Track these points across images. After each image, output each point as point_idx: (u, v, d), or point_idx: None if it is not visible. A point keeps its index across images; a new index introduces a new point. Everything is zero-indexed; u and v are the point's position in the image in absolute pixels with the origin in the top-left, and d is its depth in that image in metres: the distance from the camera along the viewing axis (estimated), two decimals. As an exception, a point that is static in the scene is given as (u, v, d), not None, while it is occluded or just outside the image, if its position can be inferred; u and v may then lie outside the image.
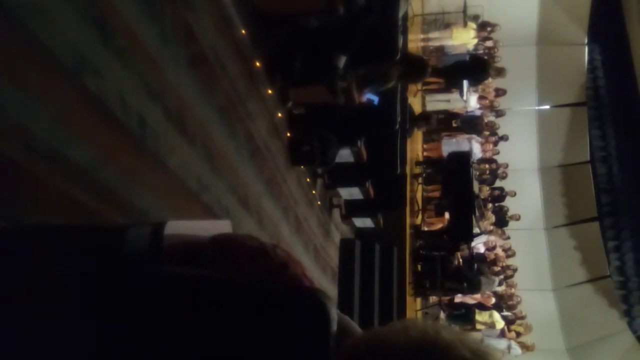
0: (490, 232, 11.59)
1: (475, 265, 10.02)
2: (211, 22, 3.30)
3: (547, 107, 14.59)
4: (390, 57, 4.66)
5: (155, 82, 2.67)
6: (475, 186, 10.41)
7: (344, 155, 5.08)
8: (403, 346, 0.78)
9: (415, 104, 10.05)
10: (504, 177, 12.63)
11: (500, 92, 12.38)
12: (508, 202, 12.57)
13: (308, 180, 5.23)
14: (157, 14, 2.70)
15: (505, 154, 12.82)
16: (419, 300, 9.35)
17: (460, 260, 9.62)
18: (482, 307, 10.82)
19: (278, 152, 4.41)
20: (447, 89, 11.03)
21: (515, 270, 12.28)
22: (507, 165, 12.72)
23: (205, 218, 3.15)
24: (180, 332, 0.93)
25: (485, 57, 11.39)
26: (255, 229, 3.92)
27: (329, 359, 0.88)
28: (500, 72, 10.49)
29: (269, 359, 0.91)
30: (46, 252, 1.11)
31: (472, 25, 12.01)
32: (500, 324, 10.86)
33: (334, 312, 0.94)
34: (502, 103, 12.64)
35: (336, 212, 6.26)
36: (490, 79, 11.43)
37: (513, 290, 12.22)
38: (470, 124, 11.71)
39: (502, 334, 10.97)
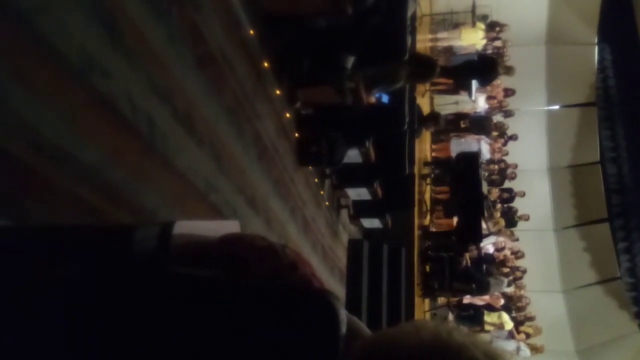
0: (499, 233, 11.54)
1: (484, 266, 9.97)
2: (219, 23, 3.30)
3: (557, 107, 14.51)
4: (399, 57, 4.64)
5: (163, 83, 2.67)
6: (484, 187, 10.36)
7: (352, 155, 5.07)
8: (415, 347, 0.78)
9: (424, 104, 10.02)
10: (513, 178, 12.56)
11: (509, 92, 12.32)
12: (517, 203, 12.51)
13: (316, 180, 5.23)
14: (165, 14, 2.70)
15: (514, 154, 12.76)
16: (427, 301, 9.32)
17: (469, 261, 9.58)
18: (490, 308, 10.77)
19: (286, 153, 4.41)
20: (455, 89, 10.99)
21: (524, 271, 12.22)
22: (516, 166, 12.66)
23: (213, 218, 3.15)
24: (188, 332, 0.92)
25: (494, 57, 11.32)
26: (263, 229, 3.92)
27: (338, 360, 0.87)
28: (509, 70, 10.43)
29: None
30: (53, 252, 1.11)
31: (481, 25, 11.96)
32: (509, 325, 10.81)
33: (343, 314, 0.93)
34: (511, 103, 12.58)
35: (344, 213, 6.25)
36: (499, 80, 11.37)
37: (522, 292, 12.16)
38: (479, 125, 11.66)
39: (511, 335, 10.92)
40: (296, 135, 4.62)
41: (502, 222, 11.57)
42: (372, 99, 4.97)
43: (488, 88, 11.79)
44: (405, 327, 0.83)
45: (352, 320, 0.96)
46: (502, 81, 11.79)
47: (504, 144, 12.62)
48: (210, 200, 3.16)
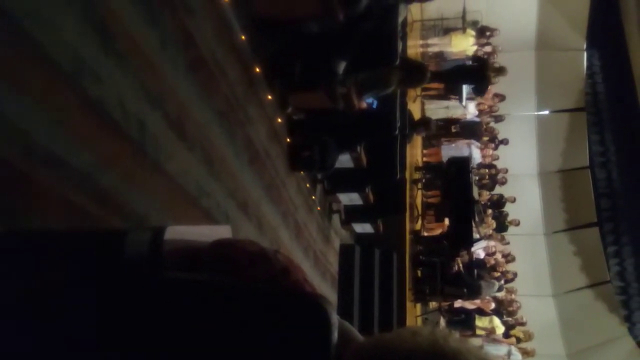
0: (489, 237, 11.59)
1: (475, 271, 10.00)
2: (211, 27, 3.30)
3: (546, 112, 14.62)
4: (390, 62, 4.66)
5: (154, 87, 2.66)
6: (475, 191, 10.41)
7: (344, 160, 5.08)
8: (411, 352, 0.78)
9: (415, 109, 10.06)
10: (503, 183, 12.63)
11: (499, 98, 12.39)
12: (507, 208, 12.57)
13: (308, 185, 5.23)
14: (157, 19, 2.70)
15: (505, 159, 12.83)
16: (418, 305, 9.33)
17: (460, 265, 9.61)
18: (481, 312, 10.81)
19: (277, 158, 4.41)
20: (446, 94, 11.04)
21: (515, 275, 12.27)
22: (506, 171, 12.73)
23: (204, 223, 3.14)
24: (181, 337, 0.92)
25: (484, 59, 11.33)
26: (255, 234, 3.91)
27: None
28: (501, 71, 10.43)
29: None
30: (45, 258, 1.10)
31: (471, 32, 12.04)
32: (500, 329, 10.85)
33: (335, 318, 0.94)
34: (501, 108, 12.66)
35: (336, 218, 6.25)
36: (490, 86, 11.41)
37: (513, 296, 12.20)
38: (470, 129, 11.72)
39: (502, 340, 10.96)
40: (288, 140, 4.63)
41: (493, 224, 11.61)
42: (364, 104, 4.99)
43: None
44: (401, 332, 0.84)
45: (344, 325, 0.97)
46: (492, 86, 11.86)
47: (495, 148, 12.70)
48: (201, 204, 3.15)
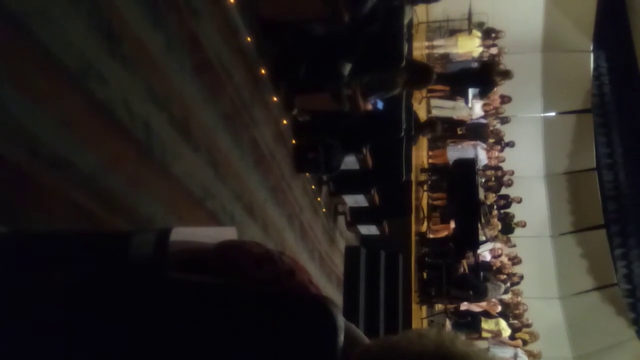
0: (495, 239, 11.54)
1: (481, 273, 9.96)
2: (216, 30, 3.31)
3: (553, 114, 14.57)
4: (395, 64, 4.65)
5: (160, 89, 2.67)
6: (481, 193, 10.37)
7: (349, 162, 5.07)
8: (418, 355, 0.78)
9: (421, 111, 10.04)
10: (509, 185, 12.58)
11: (505, 99, 12.36)
12: (514, 209, 12.53)
13: (313, 187, 5.22)
14: (163, 21, 2.70)
15: (511, 161, 12.79)
16: (424, 308, 9.30)
17: (466, 267, 9.57)
18: (487, 315, 10.77)
19: (283, 159, 4.41)
20: (452, 96, 11.02)
21: (521, 277, 12.22)
22: (512, 172, 12.69)
23: (210, 225, 3.14)
24: (185, 337, 0.92)
25: (489, 62, 11.31)
26: (260, 236, 3.91)
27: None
28: (506, 75, 10.39)
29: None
30: (50, 258, 1.10)
31: (477, 33, 12.01)
32: (506, 331, 10.80)
33: (341, 320, 0.93)
34: (507, 110, 12.63)
35: (341, 220, 6.25)
36: (496, 88, 11.39)
37: (519, 299, 12.15)
38: (476, 131, 11.68)
39: (509, 342, 10.91)
40: (293, 142, 4.63)
41: (499, 225, 11.56)
42: (369, 106, 4.98)
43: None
44: (408, 334, 0.83)
45: (350, 327, 0.96)
46: (498, 88, 11.83)
47: (501, 150, 12.66)
48: (207, 206, 3.15)
